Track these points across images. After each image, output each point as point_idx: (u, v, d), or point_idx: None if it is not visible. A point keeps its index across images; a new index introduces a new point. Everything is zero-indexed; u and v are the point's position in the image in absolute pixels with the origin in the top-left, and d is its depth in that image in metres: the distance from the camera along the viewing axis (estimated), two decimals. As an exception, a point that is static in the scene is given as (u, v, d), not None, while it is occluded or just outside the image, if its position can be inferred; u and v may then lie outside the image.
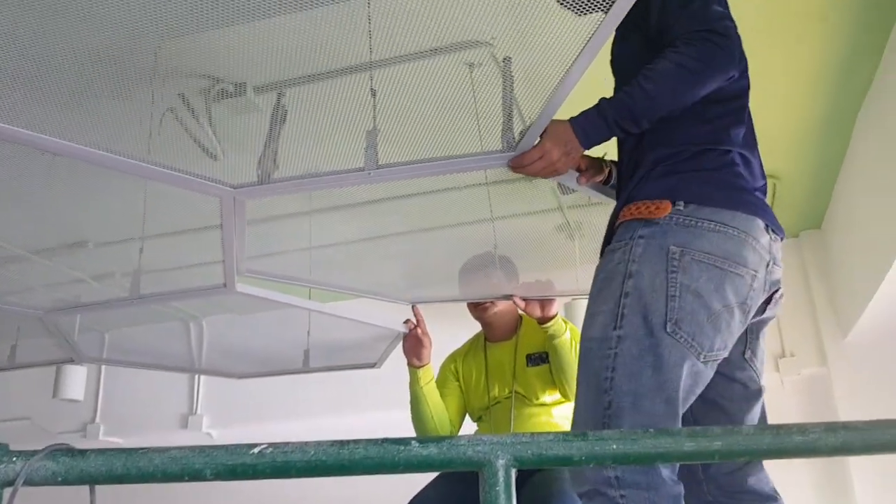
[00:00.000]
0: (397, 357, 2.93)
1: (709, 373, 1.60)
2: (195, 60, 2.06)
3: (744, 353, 1.76)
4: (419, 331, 2.75)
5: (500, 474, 0.99)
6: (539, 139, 1.78)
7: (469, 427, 2.88)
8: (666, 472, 1.47)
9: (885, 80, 3.43)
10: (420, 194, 2.46)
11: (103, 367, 6.26)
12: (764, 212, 1.68)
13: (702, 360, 1.56)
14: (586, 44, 1.54)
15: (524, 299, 2.62)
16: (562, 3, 1.64)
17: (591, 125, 1.71)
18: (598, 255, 1.79)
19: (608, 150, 1.95)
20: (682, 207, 1.61)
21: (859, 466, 4.58)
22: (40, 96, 1.78)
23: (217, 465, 1.00)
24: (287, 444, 1.02)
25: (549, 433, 1.05)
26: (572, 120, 1.72)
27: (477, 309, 2.80)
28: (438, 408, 2.74)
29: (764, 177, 1.80)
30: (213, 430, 6.04)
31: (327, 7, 1.75)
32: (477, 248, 2.74)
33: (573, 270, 2.59)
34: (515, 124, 1.82)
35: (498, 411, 2.73)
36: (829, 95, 3.69)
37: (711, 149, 1.70)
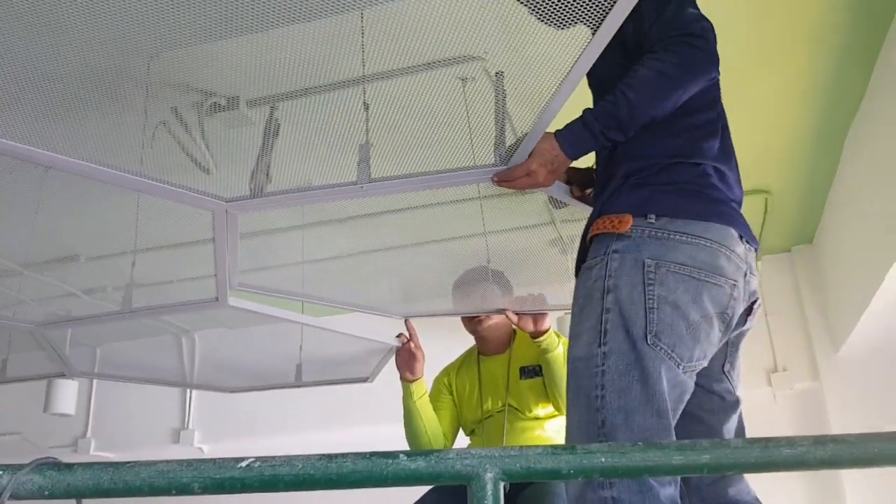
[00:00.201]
0: (389, 371, 2.93)
1: (690, 383, 1.60)
2: (188, 74, 2.06)
3: (723, 365, 1.77)
4: (412, 345, 2.74)
5: (489, 488, 0.98)
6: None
7: (463, 441, 2.88)
8: (666, 491, 1.47)
9: (875, 97, 3.46)
10: (413, 208, 2.46)
11: (95, 381, 6.23)
12: (738, 222, 1.67)
13: (682, 370, 1.56)
14: (578, 58, 1.55)
15: (517, 313, 2.62)
16: (543, 20, 1.66)
17: (576, 137, 1.71)
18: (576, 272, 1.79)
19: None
20: (653, 220, 1.61)
21: (852, 478, 4.58)
22: (32, 109, 1.78)
23: (205, 479, 0.99)
24: (275, 457, 1.01)
25: (537, 446, 1.04)
26: (557, 133, 1.73)
27: (471, 322, 2.80)
28: (432, 422, 2.74)
29: (741, 189, 1.80)
30: (205, 445, 6.01)
31: (320, 21, 1.76)
32: (470, 263, 2.74)
33: (566, 285, 2.59)
34: (508, 138, 1.82)
35: (491, 425, 2.73)
36: (819, 111, 3.71)
37: (682, 162, 1.69)
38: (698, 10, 1.75)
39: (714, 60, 1.69)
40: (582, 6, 1.50)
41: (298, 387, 3.25)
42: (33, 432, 6.18)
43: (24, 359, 3.38)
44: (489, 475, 0.99)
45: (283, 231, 2.75)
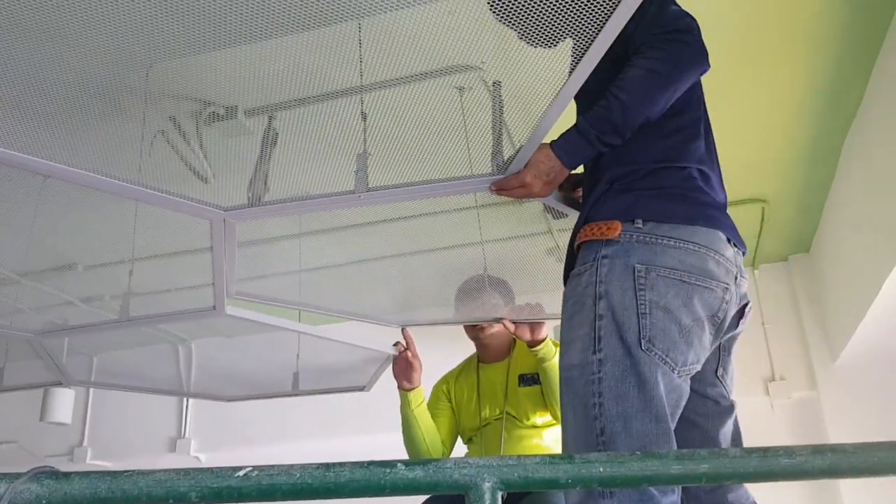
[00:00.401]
0: (386, 380, 2.92)
1: (686, 387, 1.60)
2: (186, 84, 2.07)
3: (716, 370, 1.77)
4: (409, 354, 2.74)
5: (487, 497, 0.98)
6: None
7: (461, 449, 2.88)
8: (668, 499, 1.46)
9: (872, 105, 3.47)
10: (410, 217, 2.46)
11: (91, 390, 6.22)
12: (724, 225, 1.67)
13: (677, 374, 1.56)
14: (575, 67, 1.56)
15: (514, 322, 2.62)
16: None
17: (572, 146, 1.71)
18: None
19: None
20: (640, 225, 1.61)
21: (850, 488, 4.57)
22: (31, 118, 1.79)
23: (202, 488, 0.99)
24: (272, 466, 1.01)
25: (535, 456, 1.04)
26: (553, 144, 1.72)
27: (473, 329, 2.80)
28: (430, 430, 2.74)
29: (724, 192, 1.80)
30: (202, 454, 6.00)
31: (318, 31, 1.77)
32: (467, 271, 2.74)
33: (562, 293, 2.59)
34: (505, 147, 1.83)
35: (489, 432, 2.72)
36: (816, 120, 3.73)
37: (668, 166, 1.69)
38: (679, 7, 1.74)
39: (703, 53, 1.68)
40: (570, 25, 1.50)
41: (295, 395, 3.25)
42: (30, 441, 6.17)
43: (21, 367, 3.37)
44: (487, 484, 0.99)
45: (281, 240, 2.76)
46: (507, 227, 2.50)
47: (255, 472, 1.01)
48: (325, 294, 2.96)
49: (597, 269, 1.61)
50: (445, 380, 2.93)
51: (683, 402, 1.60)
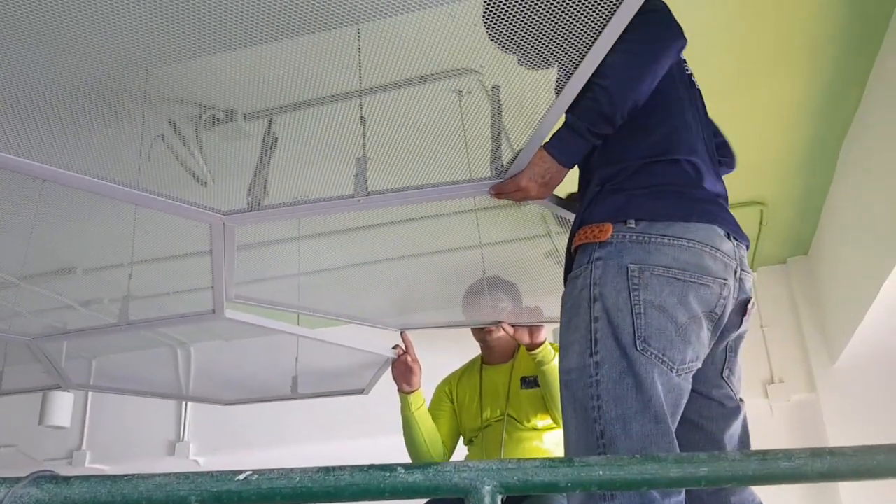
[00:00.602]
0: (385, 384, 2.92)
1: (686, 385, 1.58)
2: (185, 87, 2.07)
3: (721, 371, 1.74)
4: (408, 357, 2.74)
5: (487, 501, 0.98)
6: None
7: (462, 450, 2.88)
8: (671, 501, 1.45)
9: (869, 109, 3.47)
10: (409, 221, 2.46)
11: (90, 393, 6.22)
12: (721, 219, 1.65)
13: (676, 373, 1.55)
14: (574, 71, 1.56)
15: (513, 325, 2.62)
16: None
17: (565, 144, 1.70)
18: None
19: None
20: (633, 225, 1.60)
21: (849, 490, 4.58)
22: (29, 122, 1.79)
23: (202, 492, 0.99)
24: (272, 470, 1.01)
25: (534, 459, 1.04)
26: (546, 145, 1.72)
27: (481, 332, 2.80)
28: (431, 432, 2.74)
29: (721, 182, 1.79)
30: (201, 458, 6.00)
31: (317, 35, 1.77)
32: (466, 274, 2.74)
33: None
34: (504, 151, 1.83)
35: (490, 434, 2.73)
36: (814, 123, 3.73)
37: (657, 160, 1.68)
38: None
39: (677, 28, 1.67)
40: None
41: (294, 399, 3.25)
42: (28, 445, 6.17)
43: (20, 371, 3.38)
44: (487, 488, 0.99)
45: (280, 243, 2.76)
46: (506, 231, 2.50)
47: (255, 476, 1.01)
48: (325, 297, 2.96)
49: (591, 271, 1.61)
50: (448, 380, 2.94)
51: (684, 401, 1.59)
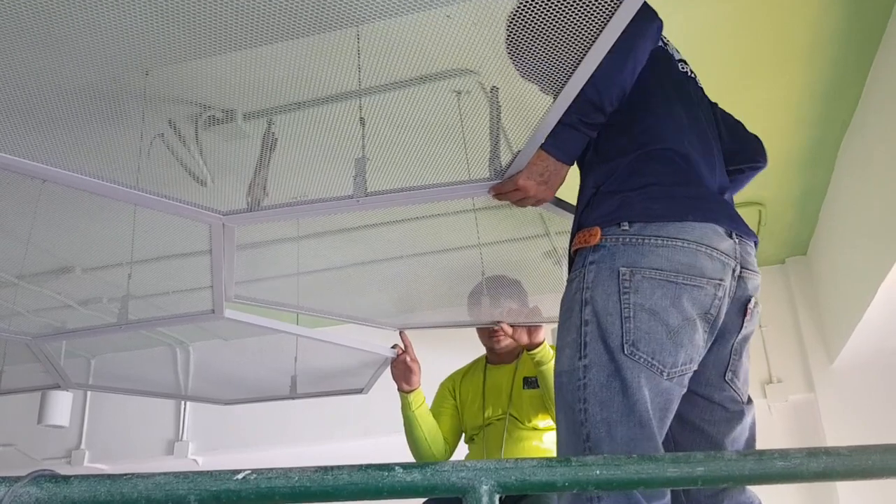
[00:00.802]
0: (384, 383, 2.93)
1: (678, 389, 1.57)
2: (185, 88, 2.07)
3: (724, 374, 1.71)
4: (407, 357, 2.75)
5: (484, 500, 0.99)
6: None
7: (464, 448, 2.89)
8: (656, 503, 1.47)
9: (867, 110, 3.48)
10: (408, 221, 2.47)
11: (89, 393, 6.22)
12: (719, 216, 1.63)
13: (666, 377, 1.54)
14: (572, 73, 1.56)
15: (512, 325, 2.62)
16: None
17: (559, 139, 1.69)
18: None
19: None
20: (627, 227, 1.59)
21: (846, 490, 4.58)
22: (29, 122, 1.79)
23: (201, 492, 1.00)
24: (271, 469, 1.02)
25: (532, 459, 1.05)
26: (543, 144, 1.71)
27: (490, 339, 2.80)
28: (432, 430, 2.75)
29: (722, 175, 1.77)
30: (200, 457, 6.00)
31: (316, 37, 1.77)
32: (465, 274, 2.74)
33: (560, 296, 2.60)
34: (503, 152, 1.83)
35: (491, 432, 2.74)
36: (812, 124, 3.74)
37: (648, 151, 1.68)
38: None
39: (650, 12, 1.66)
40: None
41: (293, 398, 3.25)
42: (27, 444, 6.17)
43: (19, 370, 3.38)
44: (484, 487, 1.00)
45: (279, 243, 2.76)
46: (505, 231, 2.50)
47: (254, 476, 1.01)
48: (324, 297, 2.96)
49: (584, 275, 1.61)
50: (452, 378, 2.95)
51: (674, 406, 1.58)
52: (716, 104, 2.07)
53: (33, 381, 3.46)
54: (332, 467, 1.02)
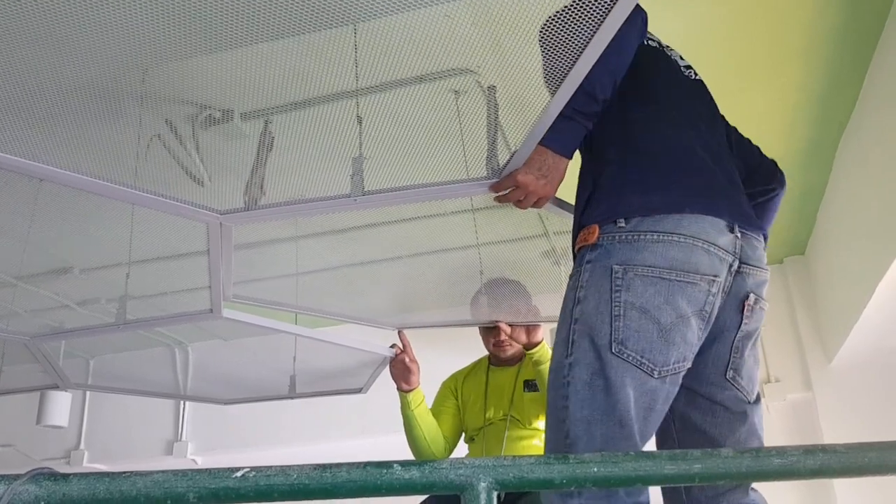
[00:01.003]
0: (383, 383, 2.93)
1: (669, 388, 1.56)
2: (182, 87, 2.07)
3: (725, 372, 1.67)
4: (406, 356, 2.75)
5: (482, 497, 0.99)
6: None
7: (464, 448, 2.89)
8: (635, 500, 1.46)
9: (865, 111, 3.48)
10: (406, 220, 2.47)
11: (88, 393, 6.22)
12: (719, 208, 1.60)
13: (656, 376, 1.52)
14: (569, 72, 1.56)
15: (510, 325, 2.63)
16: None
17: (556, 131, 1.66)
18: None
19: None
20: (624, 224, 1.58)
21: (843, 488, 4.59)
22: (26, 122, 1.79)
23: (200, 489, 1.00)
24: (269, 467, 1.02)
25: (530, 456, 1.05)
26: (541, 141, 1.69)
27: (496, 347, 2.79)
28: (431, 429, 2.75)
29: (726, 161, 1.75)
30: (199, 457, 6.00)
31: (314, 35, 1.77)
32: (463, 274, 2.75)
33: (559, 296, 2.60)
34: (500, 151, 1.83)
35: (491, 432, 2.74)
36: (810, 125, 3.74)
37: (645, 149, 1.67)
38: None
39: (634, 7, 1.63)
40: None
41: (292, 398, 3.26)
42: (26, 444, 6.16)
43: (17, 370, 3.38)
44: (482, 485, 1.00)
45: (277, 243, 2.77)
46: (504, 230, 2.51)
47: (253, 473, 1.01)
48: (322, 297, 2.97)
49: (580, 273, 1.61)
50: (454, 377, 2.95)
51: (660, 405, 1.56)
52: (734, 128, 2.05)
53: (32, 382, 3.46)
54: (330, 465, 1.02)
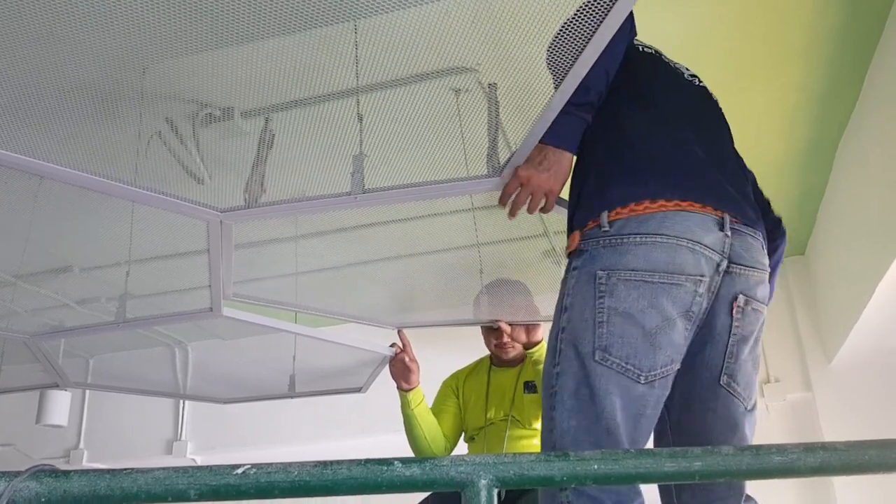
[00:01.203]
0: (382, 382, 2.93)
1: (659, 392, 1.53)
2: (182, 85, 2.07)
3: (719, 378, 1.62)
4: (406, 356, 2.75)
5: (483, 494, 0.99)
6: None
7: (463, 447, 2.89)
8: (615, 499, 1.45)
9: (865, 111, 3.48)
10: (406, 219, 2.47)
11: (87, 392, 6.22)
12: (702, 194, 1.56)
13: (643, 381, 1.50)
14: (570, 69, 1.56)
15: (510, 324, 2.63)
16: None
17: (557, 127, 1.65)
18: None
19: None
20: (608, 228, 1.55)
21: (843, 486, 4.59)
22: (26, 120, 1.79)
23: (200, 486, 1.00)
24: (270, 464, 1.02)
25: (531, 454, 1.05)
26: (541, 138, 1.69)
27: (499, 349, 2.79)
28: (432, 428, 2.75)
29: (729, 161, 1.73)
30: (198, 456, 6.00)
31: (314, 32, 1.77)
32: (463, 274, 2.75)
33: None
34: (501, 149, 1.83)
35: (492, 432, 2.74)
36: (810, 125, 3.74)
37: (631, 144, 1.65)
38: None
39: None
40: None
41: (292, 397, 3.25)
42: (26, 444, 6.16)
43: (17, 369, 3.38)
44: (483, 482, 1.00)
45: (277, 242, 2.77)
46: (504, 230, 2.51)
47: (254, 470, 1.01)
48: (322, 296, 2.97)
49: (567, 280, 1.60)
50: (456, 377, 2.95)
51: (649, 411, 1.53)
52: (751, 171, 1.99)
53: (31, 381, 3.46)
54: (331, 462, 1.02)
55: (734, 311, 1.60)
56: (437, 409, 2.83)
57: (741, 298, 1.60)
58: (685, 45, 3.05)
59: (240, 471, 1.01)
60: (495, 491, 1.00)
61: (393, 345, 2.79)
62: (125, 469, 1.02)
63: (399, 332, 2.83)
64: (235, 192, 2.06)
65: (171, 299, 3.17)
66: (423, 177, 1.90)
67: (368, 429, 5.42)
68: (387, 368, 2.83)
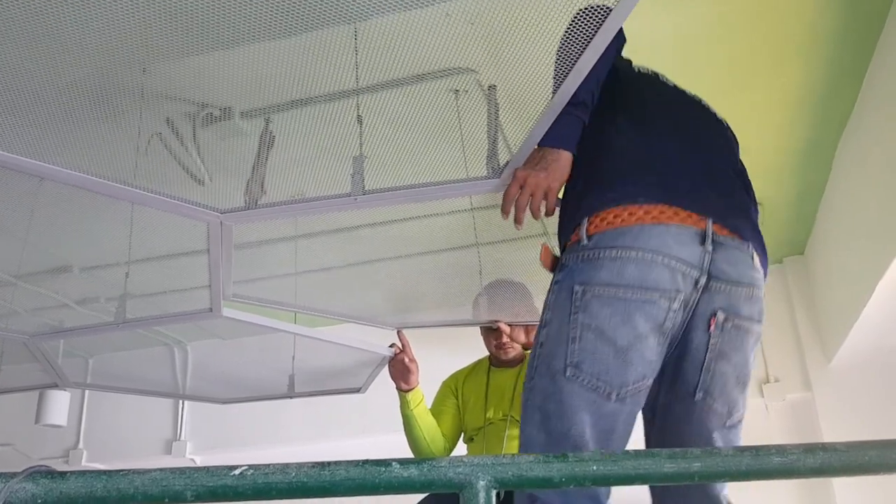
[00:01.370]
0: (382, 382, 2.93)
1: (631, 408, 1.52)
2: (182, 85, 2.07)
3: (694, 394, 1.59)
4: (405, 356, 2.74)
5: (481, 495, 0.99)
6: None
7: (463, 448, 2.89)
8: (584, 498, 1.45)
9: (865, 110, 3.48)
10: (406, 220, 2.47)
11: (86, 392, 6.22)
12: (679, 197, 1.53)
13: (614, 398, 1.49)
14: (570, 70, 1.56)
15: (509, 324, 2.62)
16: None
17: (555, 127, 1.65)
18: None
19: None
20: (586, 242, 1.54)
21: (843, 486, 4.58)
22: (27, 120, 1.79)
23: (198, 487, 1.00)
24: (268, 465, 1.02)
25: (529, 455, 1.05)
26: (540, 140, 1.69)
27: (499, 350, 2.79)
28: (431, 428, 2.75)
29: (728, 168, 1.71)
30: (198, 456, 6.00)
31: (314, 34, 1.77)
32: (463, 274, 2.75)
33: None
34: (500, 150, 1.83)
35: (491, 432, 2.74)
36: (810, 124, 3.74)
37: (605, 155, 1.64)
38: None
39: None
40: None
41: (291, 398, 3.25)
42: (25, 443, 6.16)
43: (16, 369, 3.38)
44: (481, 483, 1.00)
45: (277, 242, 2.76)
46: (503, 230, 2.50)
47: (251, 471, 1.01)
48: (322, 296, 2.96)
49: (548, 295, 1.60)
50: (455, 377, 2.95)
51: (623, 427, 1.52)
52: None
53: (31, 381, 3.46)
54: (329, 463, 1.02)
55: (712, 328, 1.55)
56: (436, 410, 2.83)
57: (720, 315, 1.55)
58: (685, 44, 3.05)
59: (237, 472, 1.01)
60: (493, 492, 1.00)
61: (392, 345, 2.79)
62: (122, 470, 1.02)
63: (398, 332, 2.83)
64: (235, 193, 2.06)
65: (170, 299, 3.16)
66: (423, 178, 1.90)
67: (368, 429, 5.41)
68: (386, 369, 2.83)
